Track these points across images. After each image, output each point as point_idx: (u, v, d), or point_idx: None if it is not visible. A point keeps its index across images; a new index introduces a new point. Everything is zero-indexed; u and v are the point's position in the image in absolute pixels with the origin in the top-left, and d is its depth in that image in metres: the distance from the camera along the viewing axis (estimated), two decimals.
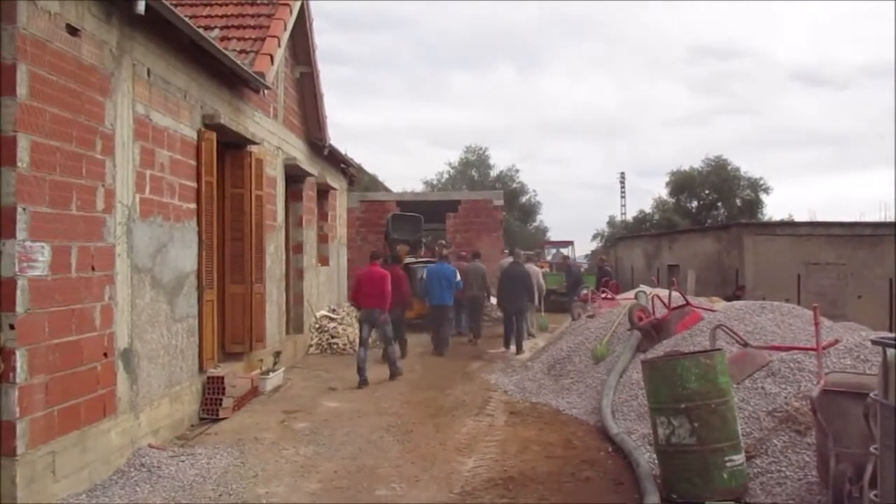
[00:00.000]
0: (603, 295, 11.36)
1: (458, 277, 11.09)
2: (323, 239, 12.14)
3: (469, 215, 18.43)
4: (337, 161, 13.05)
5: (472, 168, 41.59)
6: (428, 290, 11.00)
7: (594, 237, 39.84)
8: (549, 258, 21.89)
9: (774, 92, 75.23)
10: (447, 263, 11.49)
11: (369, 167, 28.36)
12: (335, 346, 10.69)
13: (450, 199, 19.04)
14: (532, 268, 12.48)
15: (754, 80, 75.32)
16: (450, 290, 10.91)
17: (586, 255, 30.84)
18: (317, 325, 10.94)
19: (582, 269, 15.54)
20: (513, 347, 10.88)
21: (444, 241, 15.40)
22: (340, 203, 13.79)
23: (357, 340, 9.64)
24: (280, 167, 9.41)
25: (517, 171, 44.53)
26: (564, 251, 21.93)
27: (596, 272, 15.47)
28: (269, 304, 8.60)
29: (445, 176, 41.87)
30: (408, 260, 13.38)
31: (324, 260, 12.05)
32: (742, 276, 15.37)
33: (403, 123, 73.99)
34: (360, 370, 8.60)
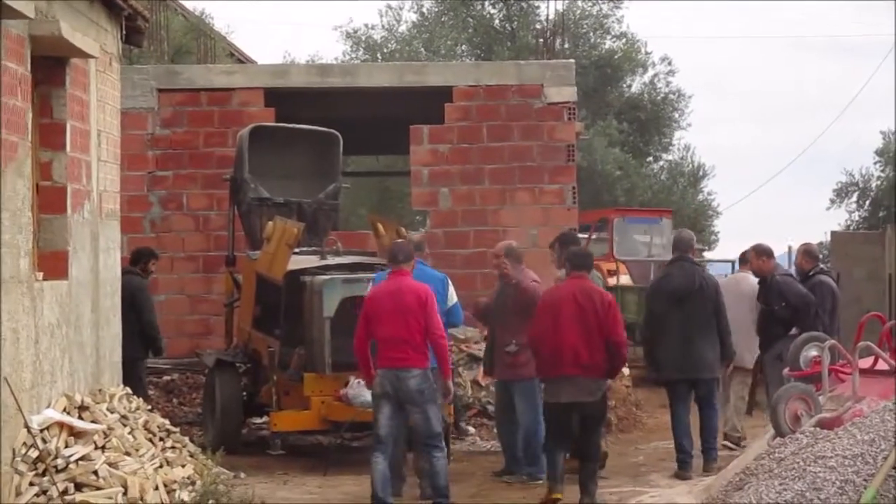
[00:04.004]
0: (873, 361, 11.74)
1: (451, 297, 12.81)
2: (52, 201, 12.14)
3: (475, 131, 19.06)
4: None
5: None
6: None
7: (841, 194, 40.40)
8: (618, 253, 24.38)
9: None
10: (421, 261, 12.93)
11: None
12: None
13: (421, 87, 19.61)
14: (745, 278, 15.14)
15: None
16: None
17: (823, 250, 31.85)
18: (34, 453, 10.65)
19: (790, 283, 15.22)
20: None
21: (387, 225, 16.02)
22: (103, 97, 13.77)
23: (375, 440, 11.52)
24: None
25: (616, 2, 40.23)
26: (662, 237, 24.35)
27: (777, 293, 15.30)
28: None
29: (410, 19, 41.83)
30: (297, 261, 14.61)
31: (53, 262, 12.10)
32: None
33: None
34: (377, 500, 10.95)
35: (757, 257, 15.93)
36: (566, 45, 35.84)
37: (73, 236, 12.17)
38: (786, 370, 12.44)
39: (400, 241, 12.54)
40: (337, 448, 14.19)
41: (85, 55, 12.24)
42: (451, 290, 12.74)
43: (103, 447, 10.97)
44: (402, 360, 10.86)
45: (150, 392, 15.95)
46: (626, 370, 15.32)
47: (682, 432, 13.51)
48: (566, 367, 11.20)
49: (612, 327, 11.31)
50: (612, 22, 40.22)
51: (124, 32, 14.23)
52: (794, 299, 14.86)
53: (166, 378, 17.56)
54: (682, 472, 13.38)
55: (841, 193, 40.08)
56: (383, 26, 42.23)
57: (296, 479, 13.22)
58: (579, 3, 39.55)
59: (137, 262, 15.13)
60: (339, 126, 16.84)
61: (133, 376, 14.60)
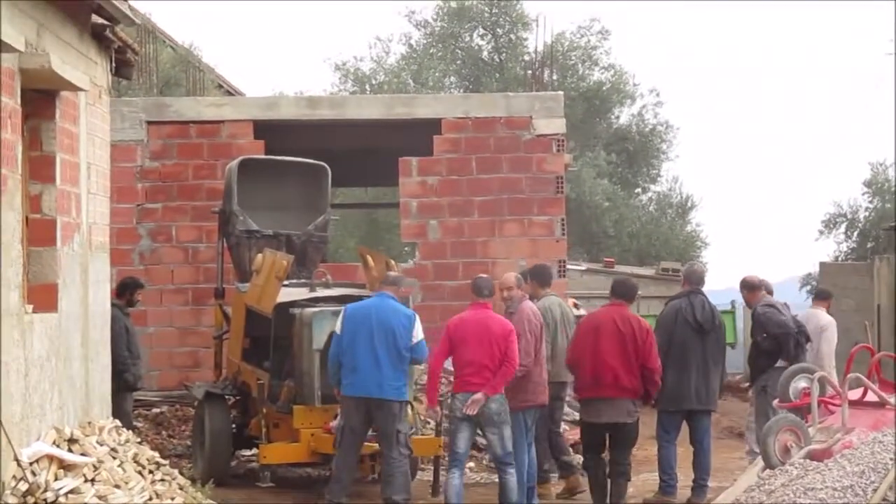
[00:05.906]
0: (863, 393, 11.74)
1: (417, 334, 12.74)
2: (42, 233, 12.08)
3: (464, 162, 19.11)
4: (82, 8, 12.90)
5: (474, 27, 40.17)
6: (346, 362, 12.62)
7: (829, 225, 39.55)
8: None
9: None
10: (392, 297, 13.01)
11: (178, 30, 28.44)
12: None
13: (409, 119, 19.50)
14: (820, 316, 15.88)
15: None
16: (397, 362, 12.58)
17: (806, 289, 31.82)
18: (24, 486, 10.53)
19: (784, 317, 14.94)
20: None
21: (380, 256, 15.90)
22: (93, 129, 13.77)
23: (449, 457, 12.56)
24: None
25: (604, 34, 41.00)
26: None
27: (759, 324, 15.28)
28: None
29: (399, 51, 42.13)
30: (287, 293, 14.47)
31: (43, 295, 12.02)
32: None
33: None
34: None
35: (743, 289, 15.90)
36: (554, 77, 35.75)
37: (62, 269, 12.12)
38: (775, 401, 12.48)
39: (484, 276, 13.29)
40: (326, 480, 14.12)
41: (75, 88, 12.21)
42: (418, 328, 12.69)
43: (93, 480, 10.88)
44: (484, 383, 11.76)
45: (140, 424, 15.71)
46: None
47: (672, 460, 13.61)
48: (606, 388, 11.99)
49: (648, 354, 12.11)
50: (601, 53, 40.47)
51: (114, 65, 14.31)
52: (774, 329, 14.79)
53: (155, 410, 17.29)
54: (668, 497, 13.46)
55: (829, 224, 39.58)
56: (372, 58, 42.29)
57: None
58: (567, 35, 39.72)
59: (123, 293, 15.01)
60: (328, 158, 16.90)
61: (115, 409, 14.48)
